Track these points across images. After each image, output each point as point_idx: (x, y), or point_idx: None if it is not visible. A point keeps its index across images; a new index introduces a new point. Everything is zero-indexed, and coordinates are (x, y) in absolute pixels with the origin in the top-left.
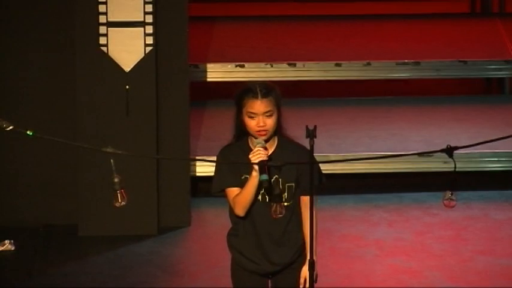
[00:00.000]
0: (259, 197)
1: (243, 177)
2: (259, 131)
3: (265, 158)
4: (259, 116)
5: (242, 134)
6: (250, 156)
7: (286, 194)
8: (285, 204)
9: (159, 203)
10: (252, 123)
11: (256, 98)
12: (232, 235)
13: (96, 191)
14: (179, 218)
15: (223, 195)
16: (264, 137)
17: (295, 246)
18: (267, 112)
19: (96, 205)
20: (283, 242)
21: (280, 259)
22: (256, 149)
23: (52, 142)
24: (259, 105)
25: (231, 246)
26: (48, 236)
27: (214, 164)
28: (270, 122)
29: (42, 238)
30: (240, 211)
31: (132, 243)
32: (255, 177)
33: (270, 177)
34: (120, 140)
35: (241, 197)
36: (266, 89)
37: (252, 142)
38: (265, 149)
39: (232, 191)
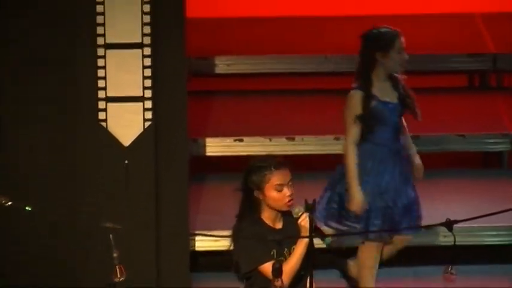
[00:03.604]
0: None
1: (271, 252)
2: (289, 201)
3: (315, 222)
4: (285, 186)
5: (254, 213)
6: (302, 223)
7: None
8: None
9: (159, 277)
10: (279, 196)
11: (280, 169)
12: None
13: (95, 266)
14: None
15: (248, 275)
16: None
17: None
18: (290, 181)
19: (95, 281)
20: None
21: None
22: (305, 214)
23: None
24: (285, 175)
25: None
26: None
27: (213, 238)
28: (293, 191)
29: None
30: (289, 281)
31: None
32: (306, 244)
33: (272, 251)
34: (119, 215)
35: (293, 267)
36: (280, 159)
37: (266, 217)
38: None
39: (268, 267)
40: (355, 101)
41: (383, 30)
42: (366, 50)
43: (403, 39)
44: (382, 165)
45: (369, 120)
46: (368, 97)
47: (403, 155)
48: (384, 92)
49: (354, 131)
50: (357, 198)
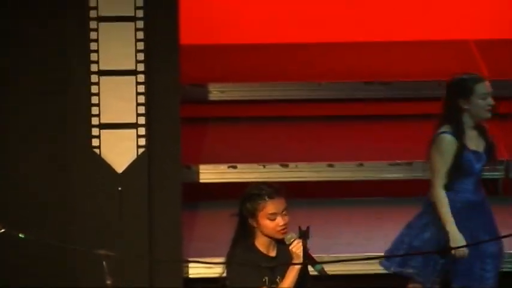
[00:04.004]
0: None
1: (264, 279)
2: (282, 230)
3: (306, 248)
4: (279, 215)
5: (248, 240)
6: (293, 249)
7: None
8: None
9: None
10: (272, 225)
11: (274, 198)
12: None
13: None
14: None
15: None
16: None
17: None
18: (284, 210)
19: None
20: None
21: None
22: (297, 241)
23: (46, 244)
24: (279, 204)
25: None
26: None
27: (206, 265)
28: (287, 219)
29: None
30: None
31: None
32: (297, 271)
33: (265, 278)
34: (112, 242)
35: None
36: (276, 187)
37: (260, 244)
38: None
39: None
40: (449, 148)
41: (464, 76)
42: (450, 98)
43: (487, 83)
44: (457, 217)
45: (458, 170)
46: (461, 146)
47: (486, 205)
48: (472, 140)
49: (443, 178)
50: (458, 241)
